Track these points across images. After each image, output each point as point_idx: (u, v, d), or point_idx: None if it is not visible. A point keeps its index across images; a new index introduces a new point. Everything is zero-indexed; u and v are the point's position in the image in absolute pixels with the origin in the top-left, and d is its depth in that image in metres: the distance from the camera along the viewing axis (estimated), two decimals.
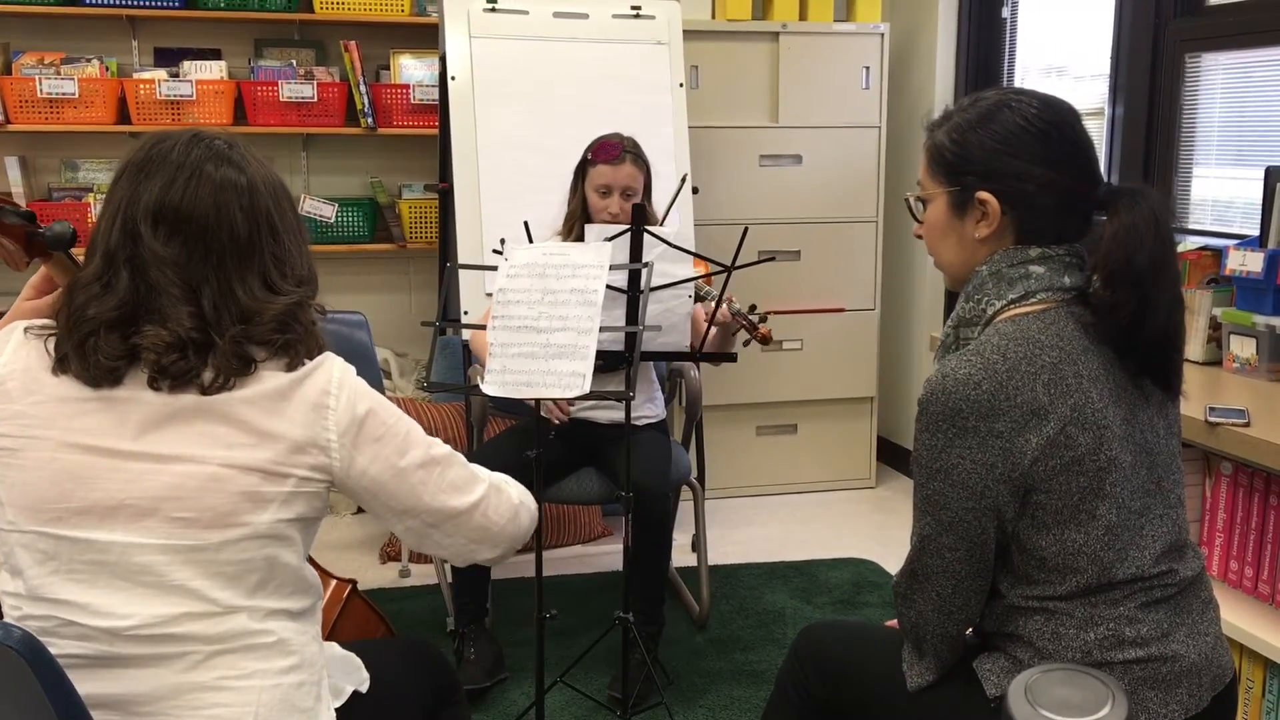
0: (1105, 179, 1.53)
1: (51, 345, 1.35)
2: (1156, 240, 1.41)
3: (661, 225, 2.93)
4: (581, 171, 2.92)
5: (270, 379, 1.35)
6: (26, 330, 1.38)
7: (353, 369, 1.42)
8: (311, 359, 1.40)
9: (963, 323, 1.52)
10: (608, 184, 2.85)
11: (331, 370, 1.39)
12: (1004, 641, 1.52)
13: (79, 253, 1.44)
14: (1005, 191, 1.47)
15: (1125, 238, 1.41)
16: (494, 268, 2.27)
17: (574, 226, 2.91)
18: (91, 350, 1.31)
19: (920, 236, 1.62)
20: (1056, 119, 1.48)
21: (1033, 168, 1.46)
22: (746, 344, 2.65)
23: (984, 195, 1.48)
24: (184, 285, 1.33)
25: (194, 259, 1.34)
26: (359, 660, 1.58)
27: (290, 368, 1.36)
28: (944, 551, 1.47)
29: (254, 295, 1.36)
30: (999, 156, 1.47)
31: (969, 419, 1.40)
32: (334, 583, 2.20)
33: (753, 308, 2.63)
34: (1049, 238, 1.49)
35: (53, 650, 1.25)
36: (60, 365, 1.33)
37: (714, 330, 2.66)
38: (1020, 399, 1.39)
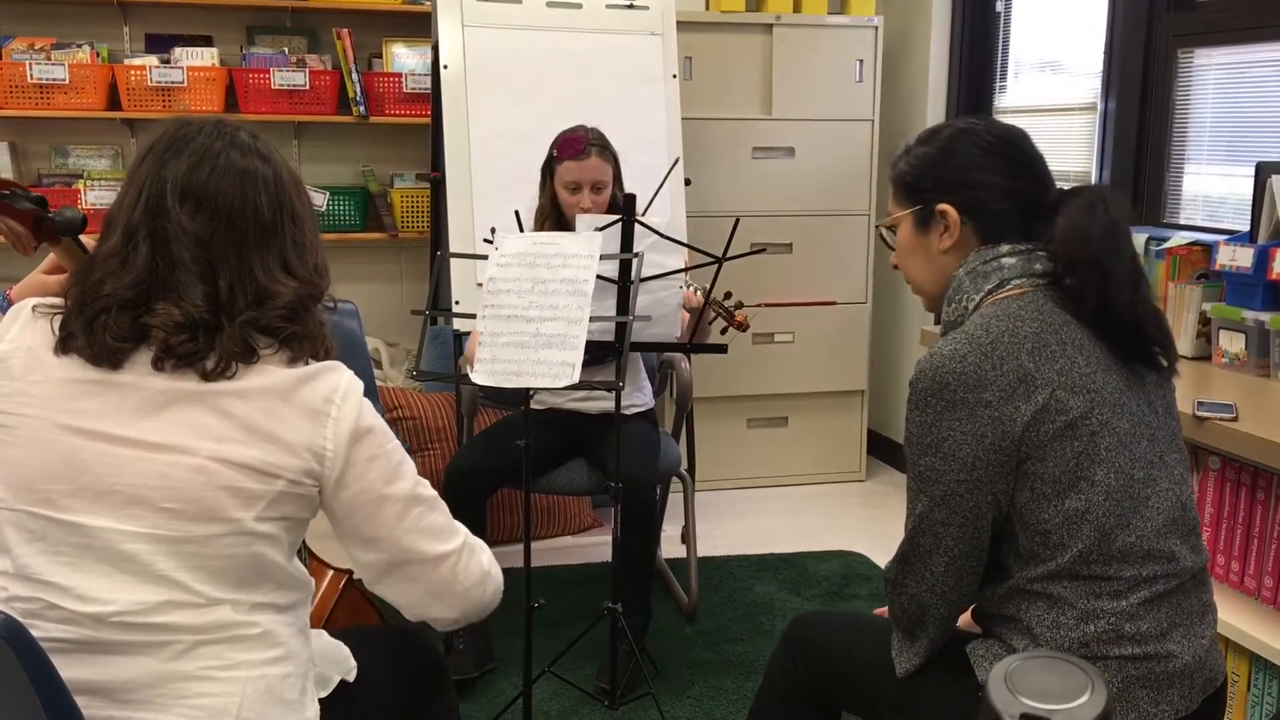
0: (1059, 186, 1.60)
1: (57, 324, 1.35)
2: (1106, 223, 1.47)
3: (648, 209, 2.92)
4: (549, 168, 2.91)
5: (272, 374, 1.34)
6: (35, 308, 1.38)
7: (361, 384, 1.41)
8: (318, 359, 1.39)
9: (949, 326, 1.57)
10: (576, 179, 2.84)
11: (339, 379, 1.38)
12: (1001, 626, 1.52)
13: (89, 240, 1.44)
14: (963, 201, 1.56)
15: (1076, 222, 1.48)
16: (485, 257, 2.26)
17: (544, 223, 2.91)
18: (100, 328, 1.31)
19: (896, 267, 1.69)
20: (1007, 135, 1.58)
21: (987, 177, 1.55)
22: (724, 332, 2.66)
23: (943, 207, 1.56)
24: (203, 262, 1.34)
25: (217, 235, 1.35)
26: (346, 649, 1.58)
27: (292, 362, 1.36)
28: (936, 527, 1.48)
29: (272, 276, 1.37)
30: (951, 170, 1.57)
31: (956, 391, 1.43)
32: (330, 572, 2.20)
33: (728, 295, 2.64)
34: (1015, 238, 1.55)
35: (38, 633, 1.25)
36: (63, 344, 1.33)
37: (687, 318, 2.67)
38: (1006, 368, 1.43)
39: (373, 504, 1.40)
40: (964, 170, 1.56)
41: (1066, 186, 1.57)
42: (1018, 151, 1.57)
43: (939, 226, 1.58)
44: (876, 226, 1.72)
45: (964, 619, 1.69)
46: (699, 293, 2.65)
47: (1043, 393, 1.42)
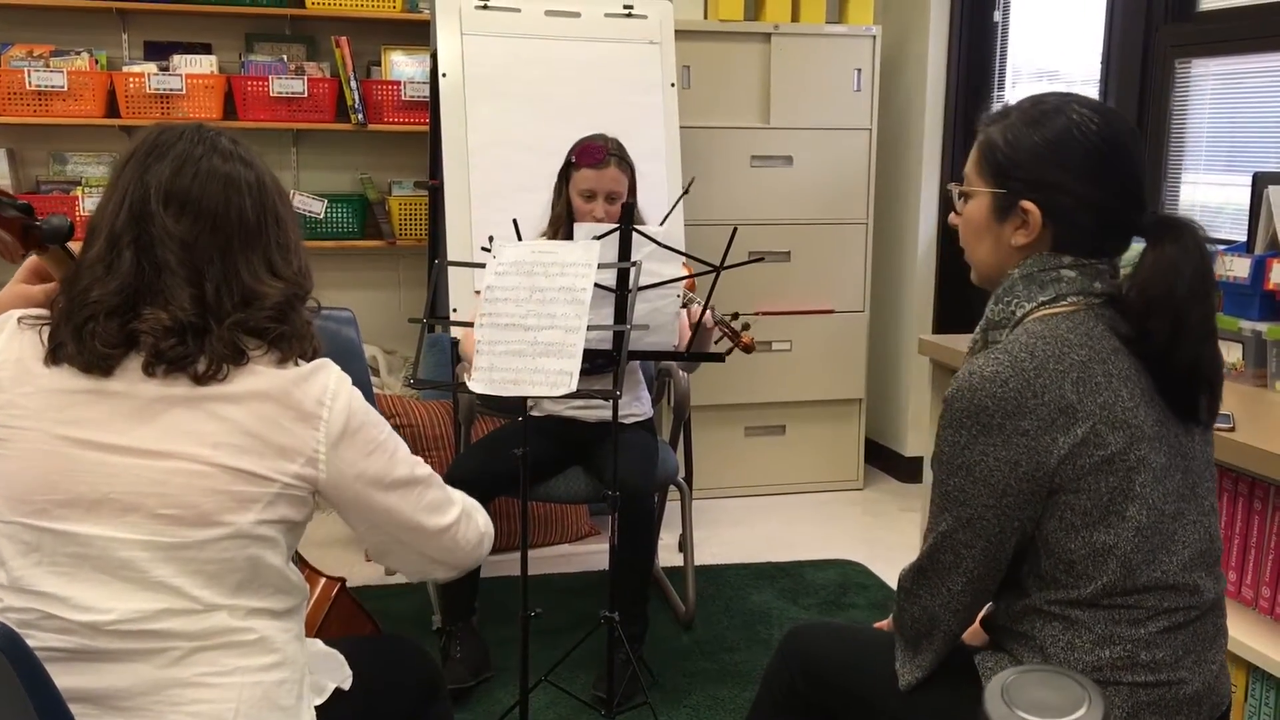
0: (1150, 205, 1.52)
1: (46, 335, 1.35)
2: (1196, 275, 1.41)
3: (667, 216, 2.92)
4: (565, 174, 2.91)
5: (263, 376, 1.35)
6: (21, 320, 1.38)
7: (349, 379, 1.42)
8: (306, 359, 1.40)
9: (991, 325, 1.52)
10: (592, 188, 2.84)
11: (328, 379, 1.39)
12: (1013, 641, 1.50)
13: (75, 246, 1.44)
14: (1049, 204, 1.46)
15: (1168, 268, 1.41)
16: (483, 265, 2.26)
17: (559, 230, 2.91)
18: (89, 335, 1.31)
19: (955, 226, 1.60)
20: (1113, 137, 1.46)
21: (1080, 185, 1.45)
22: (729, 352, 2.65)
23: (1028, 205, 1.47)
24: (189, 265, 1.34)
25: (201, 238, 1.35)
26: (342, 657, 1.58)
27: (281, 362, 1.37)
28: (959, 548, 1.45)
29: (258, 277, 1.38)
30: (1049, 167, 1.46)
31: (994, 416, 1.39)
32: (323, 580, 2.19)
33: (735, 315, 2.63)
34: (1085, 251, 1.48)
35: (33, 643, 1.25)
36: (54, 355, 1.33)
37: (687, 329, 2.66)
38: (1048, 397, 1.38)
39: (375, 493, 1.43)
40: (1062, 172, 1.45)
41: (1159, 211, 1.50)
42: (1121, 161, 1.46)
43: (1017, 219, 1.48)
44: (948, 186, 1.65)
45: (969, 630, 1.67)
46: (709, 311, 2.63)
47: (1083, 426, 1.38)
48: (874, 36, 4.18)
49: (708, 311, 2.60)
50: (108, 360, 1.32)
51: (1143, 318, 1.42)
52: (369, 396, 3.54)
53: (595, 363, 2.39)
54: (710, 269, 2.46)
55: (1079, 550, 1.41)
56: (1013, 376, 1.39)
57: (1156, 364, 1.43)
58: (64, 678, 1.27)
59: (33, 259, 1.53)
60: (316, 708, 1.46)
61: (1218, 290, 1.46)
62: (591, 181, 2.84)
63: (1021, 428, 1.38)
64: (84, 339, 1.32)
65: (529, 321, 2.14)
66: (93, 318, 1.32)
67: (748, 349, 2.60)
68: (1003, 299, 1.51)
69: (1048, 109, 1.48)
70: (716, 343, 2.68)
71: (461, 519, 1.53)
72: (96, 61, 4.00)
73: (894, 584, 3.43)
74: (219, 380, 1.33)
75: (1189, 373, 1.43)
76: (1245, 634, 2.16)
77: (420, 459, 1.50)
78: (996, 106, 1.57)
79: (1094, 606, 1.42)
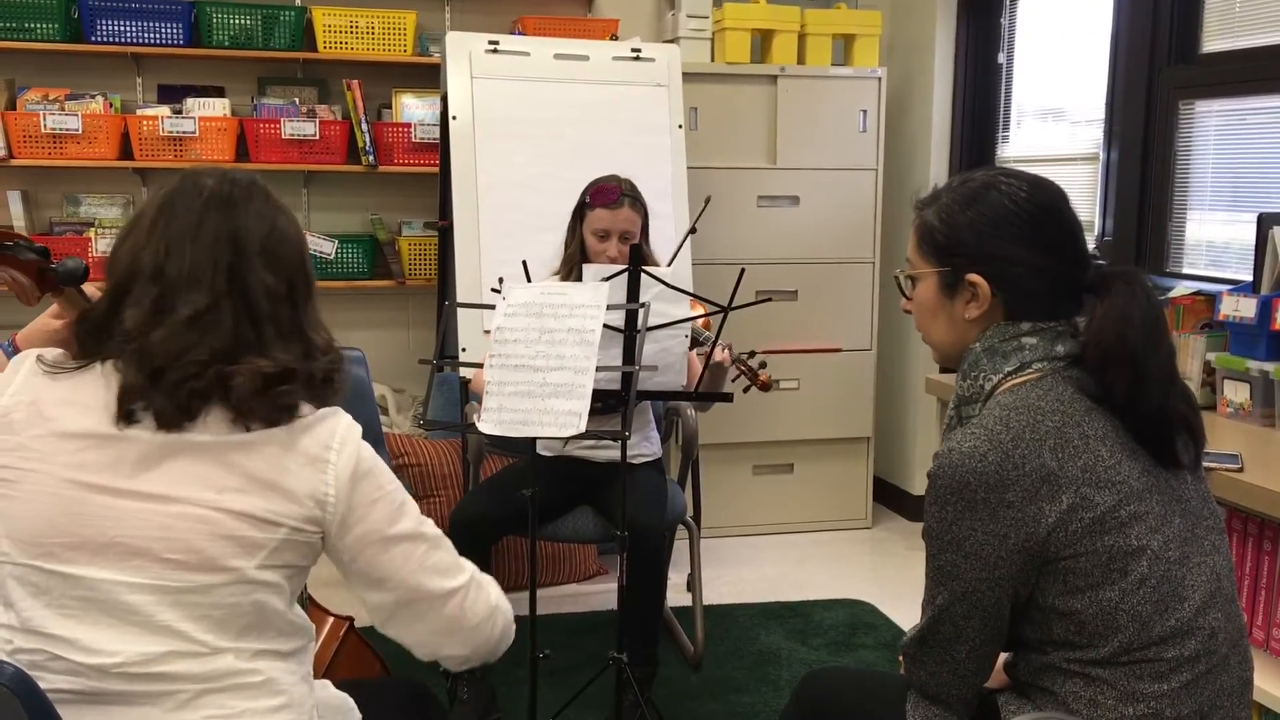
0: (1094, 255, 1.53)
1: (110, 392, 1.35)
2: (1147, 321, 1.43)
3: (676, 252, 2.93)
4: (579, 214, 2.94)
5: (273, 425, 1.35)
6: (38, 359, 1.39)
7: (359, 427, 1.42)
8: (319, 407, 1.41)
9: (963, 401, 1.53)
10: (606, 228, 2.87)
11: (337, 425, 1.40)
12: (1035, 694, 1.48)
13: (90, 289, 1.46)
14: (995, 274, 1.49)
15: (1118, 317, 1.43)
16: (492, 306, 2.28)
17: (572, 269, 2.93)
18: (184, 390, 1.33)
19: (908, 311, 1.63)
20: (1045, 201, 1.50)
21: (1022, 251, 1.48)
22: (746, 390, 2.65)
23: (974, 278, 1.50)
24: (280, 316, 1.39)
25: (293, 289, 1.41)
26: (351, 701, 1.58)
27: (294, 417, 1.37)
28: (958, 620, 1.45)
29: (316, 328, 1.43)
30: (988, 239, 1.49)
31: (977, 491, 1.39)
32: (331, 619, 2.20)
33: (752, 354, 2.63)
34: (1040, 316, 1.50)
35: (42, 684, 1.25)
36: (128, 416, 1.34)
37: (696, 366, 2.67)
38: (1028, 467, 1.38)
39: (378, 545, 1.41)
40: (1001, 243, 1.48)
41: (1101, 263, 1.50)
42: (1057, 223, 1.49)
43: (966, 294, 1.51)
44: (895, 275, 1.64)
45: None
46: (725, 350, 2.64)
47: (1068, 493, 1.38)
48: (879, 78, 4.22)
49: (724, 350, 2.61)
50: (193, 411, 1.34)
51: (1102, 371, 1.43)
52: (378, 438, 3.55)
53: (605, 403, 2.40)
54: (718, 309, 2.48)
55: (1087, 610, 1.40)
56: (991, 450, 1.39)
57: (1127, 415, 1.44)
58: None
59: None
60: None
61: (1170, 334, 1.46)
62: (605, 221, 2.87)
63: (1006, 500, 1.38)
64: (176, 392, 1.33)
65: (538, 363, 2.15)
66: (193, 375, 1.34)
67: (765, 387, 2.61)
68: (969, 374, 1.52)
69: (977, 186, 1.52)
70: (733, 381, 2.69)
71: (470, 587, 1.47)
72: (111, 105, 4.05)
73: (904, 623, 3.42)
74: (229, 432, 1.34)
75: (1159, 419, 1.44)
76: (1257, 676, 2.15)
77: (429, 520, 1.47)
78: (925, 191, 1.59)
79: (1114, 664, 1.40)
